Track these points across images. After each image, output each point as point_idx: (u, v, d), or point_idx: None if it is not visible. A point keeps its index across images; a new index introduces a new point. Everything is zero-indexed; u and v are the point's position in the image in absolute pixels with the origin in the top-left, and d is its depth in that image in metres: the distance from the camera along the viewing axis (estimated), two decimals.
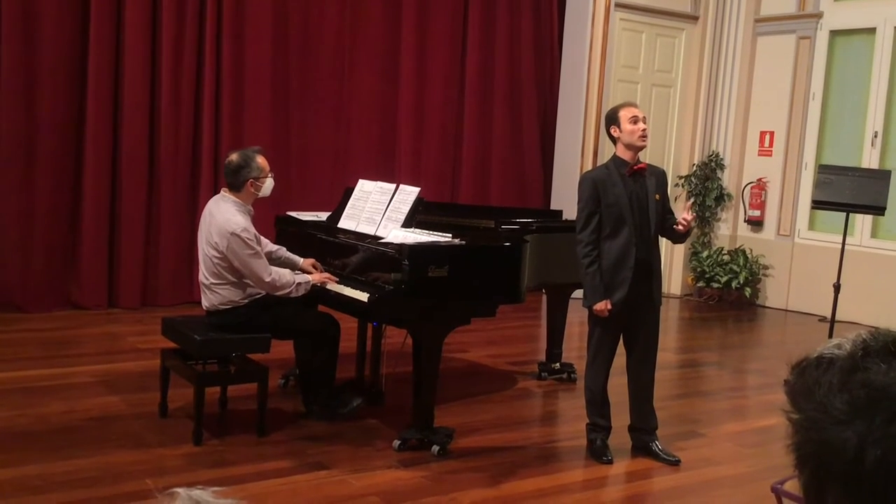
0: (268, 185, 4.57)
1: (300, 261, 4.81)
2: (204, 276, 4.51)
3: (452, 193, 8.88)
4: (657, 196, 4.39)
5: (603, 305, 4.31)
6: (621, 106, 4.45)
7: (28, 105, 6.75)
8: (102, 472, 3.88)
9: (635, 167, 4.36)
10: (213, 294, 4.49)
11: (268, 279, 4.38)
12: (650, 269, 4.36)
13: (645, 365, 4.48)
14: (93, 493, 3.68)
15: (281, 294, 4.45)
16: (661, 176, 4.50)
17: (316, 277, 4.57)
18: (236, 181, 4.48)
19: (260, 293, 4.50)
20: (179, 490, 0.92)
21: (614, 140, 4.41)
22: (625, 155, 4.37)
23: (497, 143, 9.06)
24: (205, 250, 4.48)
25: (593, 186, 4.33)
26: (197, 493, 0.92)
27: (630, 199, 4.31)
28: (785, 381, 0.92)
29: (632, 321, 4.41)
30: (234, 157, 4.53)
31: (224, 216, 4.39)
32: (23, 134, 6.75)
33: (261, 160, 4.53)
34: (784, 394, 0.91)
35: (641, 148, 4.39)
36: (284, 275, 4.46)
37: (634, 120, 4.33)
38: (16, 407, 4.68)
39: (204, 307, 4.59)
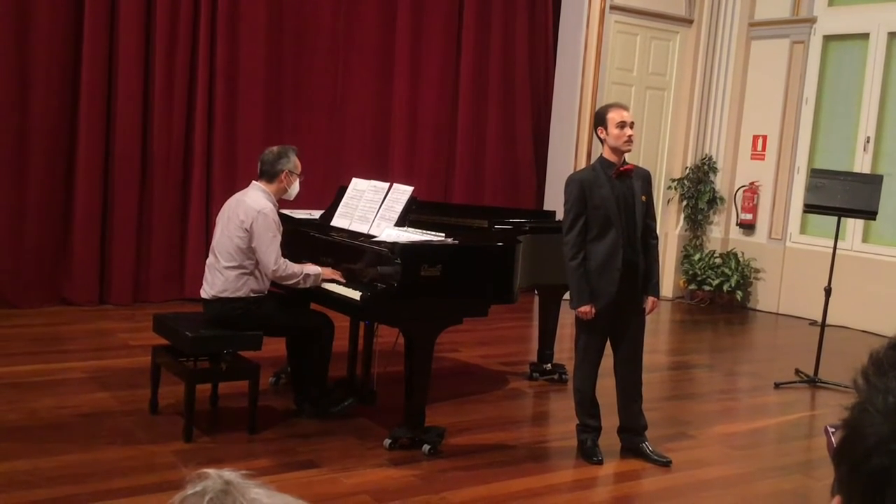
0: (296, 185, 4.74)
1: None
2: (215, 258, 4.57)
3: (446, 193, 8.88)
4: (643, 197, 4.40)
5: (587, 309, 4.31)
6: (610, 107, 4.42)
7: (21, 102, 6.72)
8: (92, 469, 3.87)
9: (622, 168, 4.37)
10: (218, 277, 4.51)
11: (273, 266, 4.44)
12: (637, 271, 4.37)
13: (631, 366, 4.48)
14: (82, 488, 3.67)
15: (288, 284, 4.51)
16: (646, 178, 4.50)
17: (327, 272, 4.57)
18: (272, 170, 4.65)
19: (261, 290, 4.53)
20: (209, 471, 0.93)
21: (601, 140, 4.42)
22: (611, 157, 4.37)
23: (491, 143, 9.07)
24: (224, 230, 4.55)
25: (580, 188, 4.32)
26: (227, 474, 0.93)
27: (617, 201, 4.31)
28: (873, 349, 0.90)
29: (618, 322, 4.41)
30: (273, 148, 4.76)
31: (253, 198, 4.57)
32: (15, 130, 6.72)
33: (296, 158, 4.74)
34: (868, 356, 0.89)
35: (626, 152, 4.41)
36: (291, 265, 4.50)
37: (622, 125, 4.32)
38: (6, 402, 4.66)
39: (204, 295, 4.60)
